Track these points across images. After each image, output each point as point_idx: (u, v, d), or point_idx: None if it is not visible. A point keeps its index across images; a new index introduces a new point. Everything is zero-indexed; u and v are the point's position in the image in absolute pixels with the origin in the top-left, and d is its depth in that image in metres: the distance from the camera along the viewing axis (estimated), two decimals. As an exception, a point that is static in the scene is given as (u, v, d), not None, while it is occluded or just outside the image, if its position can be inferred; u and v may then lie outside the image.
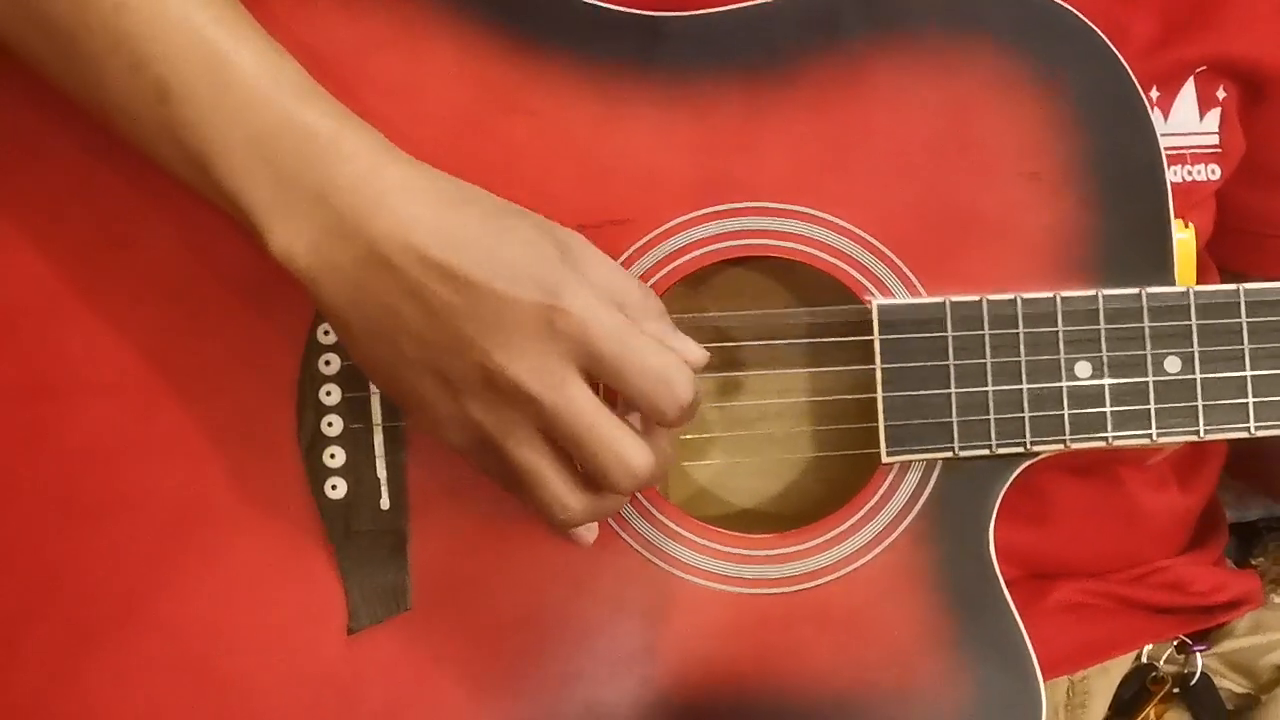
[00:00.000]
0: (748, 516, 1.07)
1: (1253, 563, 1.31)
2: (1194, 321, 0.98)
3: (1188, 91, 1.10)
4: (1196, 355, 0.98)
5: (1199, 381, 0.98)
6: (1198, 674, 1.15)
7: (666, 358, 0.89)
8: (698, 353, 0.92)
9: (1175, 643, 1.16)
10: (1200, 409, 0.98)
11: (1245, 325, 0.98)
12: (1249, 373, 0.98)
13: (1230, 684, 1.17)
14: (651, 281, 0.96)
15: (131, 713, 0.97)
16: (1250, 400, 0.98)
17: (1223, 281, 1.16)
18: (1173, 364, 0.98)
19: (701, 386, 0.92)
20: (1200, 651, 1.15)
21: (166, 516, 0.97)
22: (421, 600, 0.97)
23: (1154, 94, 1.08)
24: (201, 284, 0.98)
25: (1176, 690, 1.15)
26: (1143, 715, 1.14)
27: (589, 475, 0.91)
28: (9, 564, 0.97)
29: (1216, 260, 1.18)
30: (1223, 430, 0.99)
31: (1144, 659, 1.15)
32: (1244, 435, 0.99)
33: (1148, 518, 1.16)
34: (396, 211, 0.88)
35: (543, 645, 0.98)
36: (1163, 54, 1.08)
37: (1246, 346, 0.98)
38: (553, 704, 0.98)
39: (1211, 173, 1.11)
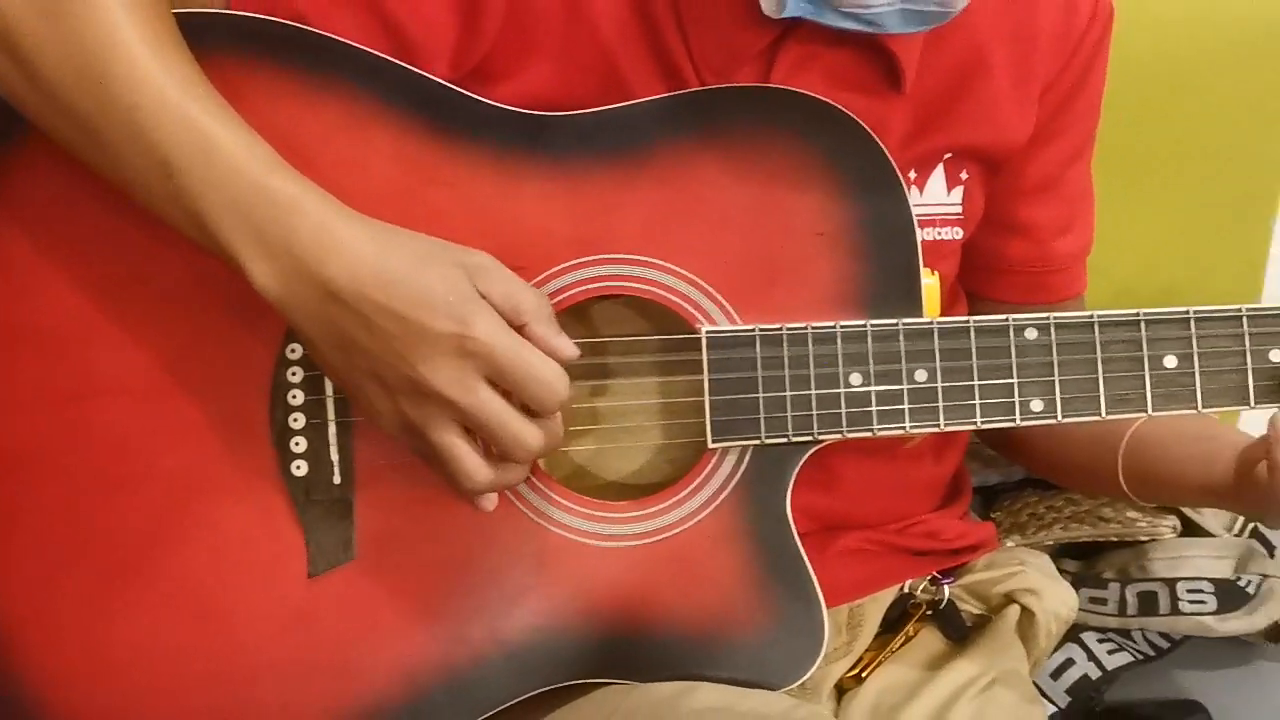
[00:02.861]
0: (612, 489, 1.17)
1: (992, 516, 1.45)
2: (936, 344, 1.09)
3: (938, 173, 1.21)
4: (938, 369, 1.09)
5: (939, 388, 1.09)
6: (945, 600, 1.28)
7: (550, 368, 0.99)
8: (571, 350, 1.02)
9: (930, 577, 1.28)
10: (940, 408, 1.09)
11: (974, 347, 1.09)
12: (976, 382, 1.09)
13: (970, 607, 1.30)
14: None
15: (149, 638, 1.08)
16: (978, 401, 1.09)
17: (971, 305, 1.31)
18: (921, 375, 1.09)
19: (577, 388, 1.02)
20: (948, 584, 1.28)
21: (172, 489, 1.08)
22: (364, 551, 1.09)
23: (912, 174, 1.19)
24: (199, 311, 1.07)
25: (930, 612, 1.28)
26: (904, 631, 1.26)
27: (495, 453, 1.01)
28: (52, 529, 1.08)
29: (966, 288, 1.30)
30: (958, 424, 1.10)
31: (906, 589, 1.28)
32: (973, 427, 1.10)
33: (910, 484, 1.29)
34: (344, 257, 0.98)
35: (456, 586, 1.09)
36: (917, 144, 1.18)
37: (975, 363, 1.09)
38: (463, 630, 1.08)
39: (955, 233, 1.23)
